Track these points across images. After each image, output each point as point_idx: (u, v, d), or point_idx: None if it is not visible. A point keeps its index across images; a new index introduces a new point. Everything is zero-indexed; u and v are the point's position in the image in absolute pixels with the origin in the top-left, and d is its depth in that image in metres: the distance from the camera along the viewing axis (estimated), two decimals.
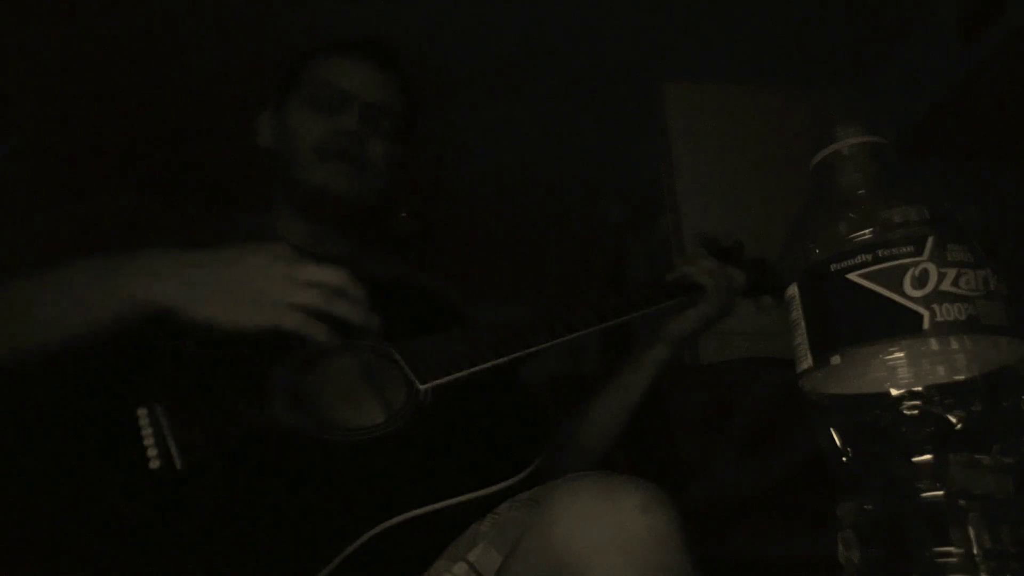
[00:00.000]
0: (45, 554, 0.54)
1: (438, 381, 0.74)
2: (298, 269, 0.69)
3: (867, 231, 0.56)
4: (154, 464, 0.59)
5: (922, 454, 0.51)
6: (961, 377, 0.50)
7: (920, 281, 0.52)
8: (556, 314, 0.86)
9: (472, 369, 0.77)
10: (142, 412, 0.63)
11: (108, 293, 0.67)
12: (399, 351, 0.77)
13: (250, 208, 1.00)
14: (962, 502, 0.48)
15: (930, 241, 0.53)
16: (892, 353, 0.52)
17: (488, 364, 0.78)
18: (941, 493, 0.49)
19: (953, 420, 0.50)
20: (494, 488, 0.68)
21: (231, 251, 0.70)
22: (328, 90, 0.94)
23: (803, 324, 0.60)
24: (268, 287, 0.67)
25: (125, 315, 0.66)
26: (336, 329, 0.75)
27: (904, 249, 0.53)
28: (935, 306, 0.51)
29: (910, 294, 0.52)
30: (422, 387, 0.73)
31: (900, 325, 0.52)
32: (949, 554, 0.47)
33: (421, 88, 1.06)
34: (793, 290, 0.62)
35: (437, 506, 0.65)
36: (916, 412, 0.51)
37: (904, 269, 0.53)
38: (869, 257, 0.54)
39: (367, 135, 0.94)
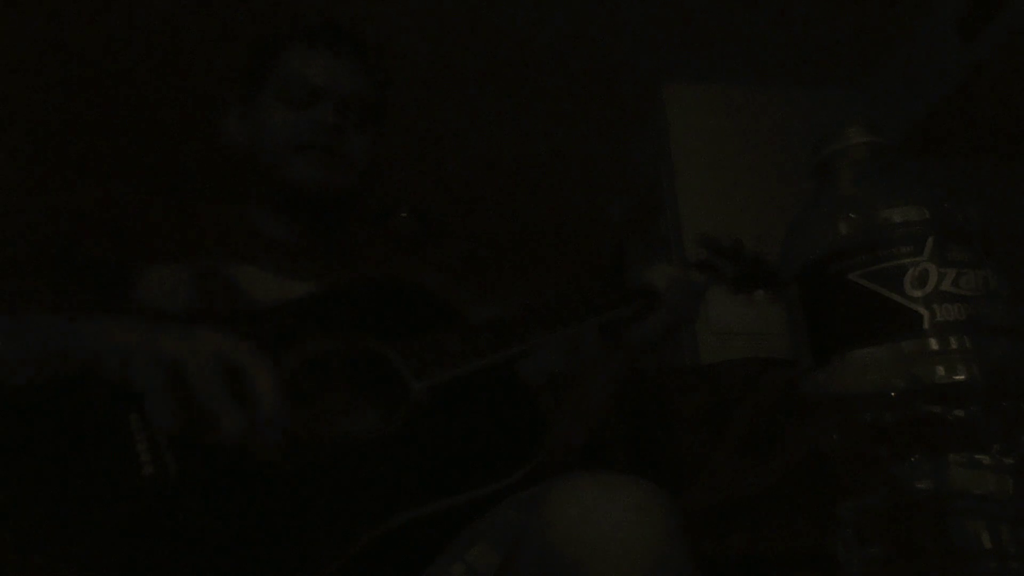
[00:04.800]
0: (39, 561, 0.54)
1: (434, 379, 0.74)
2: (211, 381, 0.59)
3: (867, 231, 0.56)
4: (147, 470, 0.59)
5: (922, 454, 0.51)
6: (961, 377, 0.50)
7: (920, 281, 0.52)
8: (550, 309, 0.86)
9: (468, 366, 0.76)
10: (134, 417, 0.62)
11: (56, 356, 0.63)
12: (395, 349, 0.77)
13: (235, 200, 0.98)
14: (962, 502, 0.48)
15: (930, 241, 0.53)
16: (892, 353, 0.52)
17: (484, 361, 0.78)
18: (941, 493, 0.49)
19: (952, 420, 0.50)
20: (492, 487, 0.68)
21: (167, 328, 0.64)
22: (300, 85, 0.91)
23: (803, 324, 0.60)
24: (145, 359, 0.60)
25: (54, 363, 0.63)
26: (331, 329, 0.75)
27: (904, 249, 0.53)
28: (935, 306, 0.51)
29: (910, 294, 0.52)
30: (418, 385, 0.73)
31: (900, 325, 0.52)
32: (949, 553, 0.47)
33: (389, 72, 1.02)
34: (793, 290, 0.62)
35: (435, 508, 0.65)
36: (916, 412, 0.51)
37: (904, 269, 0.53)
38: (869, 257, 0.54)
39: (343, 128, 0.92)
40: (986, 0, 1.98)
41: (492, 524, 0.66)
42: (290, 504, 0.62)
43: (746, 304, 1.03)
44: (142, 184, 2.80)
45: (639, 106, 2.63)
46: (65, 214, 0.82)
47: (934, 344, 0.51)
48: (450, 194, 3.10)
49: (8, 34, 2.17)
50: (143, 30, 2.22)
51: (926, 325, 0.51)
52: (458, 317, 0.93)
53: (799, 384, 0.60)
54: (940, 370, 0.51)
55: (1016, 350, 0.52)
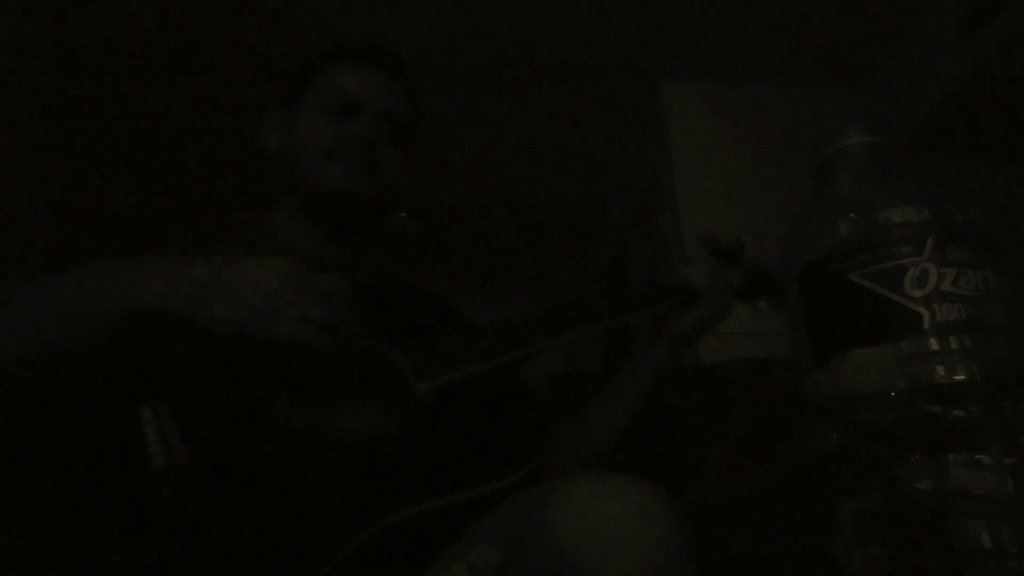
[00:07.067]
0: (48, 551, 0.55)
1: (437, 381, 0.75)
2: (303, 279, 0.70)
3: (867, 231, 0.56)
4: (157, 461, 0.60)
5: (922, 454, 0.51)
6: (961, 377, 0.50)
7: (920, 281, 0.52)
8: (554, 315, 0.87)
9: (471, 369, 0.77)
10: (145, 409, 0.63)
11: (121, 298, 0.67)
12: (398, 351, 0.77)
13: (250, 208, 1.00)
14: (962, 502, 0.48)
15: (930, 241, 0.53)
16: (892, 353, 0.52)
17: (487, 364, 0.78)
18: (941, 493, 0.49)
19: (952, 420, 0.50)
20: (493, 487, 0.69)
21: (239, 261, 0.71)
22: (340, 96, 0.94)
23: (803, 324, 0.60)
24: (275, 299, 0.69)
25: (137, 321, 0.67)
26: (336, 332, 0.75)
27: (904, 249, 0.53)
28: (935, 306, 0.51)
29: (910, 294, 0.52)
30: (421, 386, 0.74)
31: (900, 325, 0.52)
32: (949, 553, 0.47)
33: (425, 97, 1.06)
34: (793, 290, 0.62)
35: (436, 505, 0.65)
36: (916, 412, 0.51)
37: (904, 269, 0.53)
38: (869, 257, 0.54)
39: (376, 141, 0.94)
40: (986, 0, 1.98)
41: (493, 524, 0.66)
42: (293, 500, 0.62)
43: (748, 312, 1.04)
44: (143, 185, 2.80)
45: (639, 105, 2.63)
46: (79, 219, 0.83)
47: (934, 344, 0.51)
48: (450, 194, 3.10)
49: (9, 33, 2.17)
50: (144, 30, 2.22)
51: (926, 325, 0.51)
52: (460, 319, 0.94)
53: (799, 384, 0.60)
54: (940, 370, 0.51)
55: (1016, 350, 0.52)
